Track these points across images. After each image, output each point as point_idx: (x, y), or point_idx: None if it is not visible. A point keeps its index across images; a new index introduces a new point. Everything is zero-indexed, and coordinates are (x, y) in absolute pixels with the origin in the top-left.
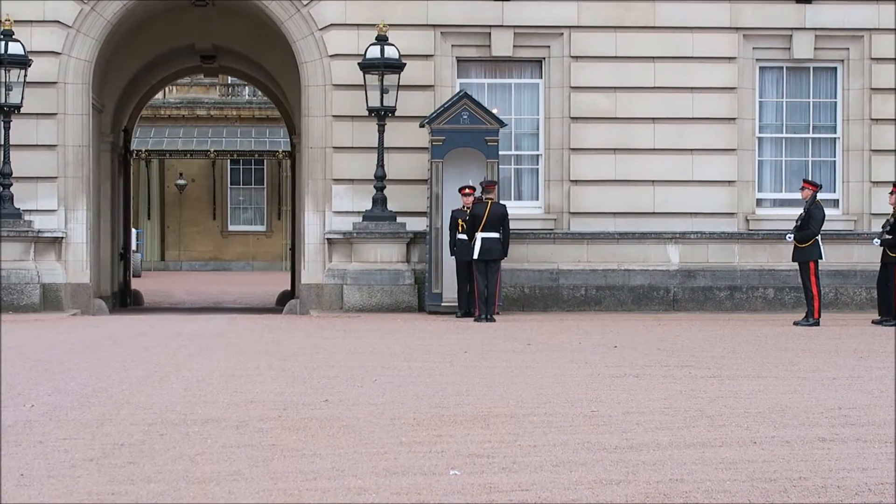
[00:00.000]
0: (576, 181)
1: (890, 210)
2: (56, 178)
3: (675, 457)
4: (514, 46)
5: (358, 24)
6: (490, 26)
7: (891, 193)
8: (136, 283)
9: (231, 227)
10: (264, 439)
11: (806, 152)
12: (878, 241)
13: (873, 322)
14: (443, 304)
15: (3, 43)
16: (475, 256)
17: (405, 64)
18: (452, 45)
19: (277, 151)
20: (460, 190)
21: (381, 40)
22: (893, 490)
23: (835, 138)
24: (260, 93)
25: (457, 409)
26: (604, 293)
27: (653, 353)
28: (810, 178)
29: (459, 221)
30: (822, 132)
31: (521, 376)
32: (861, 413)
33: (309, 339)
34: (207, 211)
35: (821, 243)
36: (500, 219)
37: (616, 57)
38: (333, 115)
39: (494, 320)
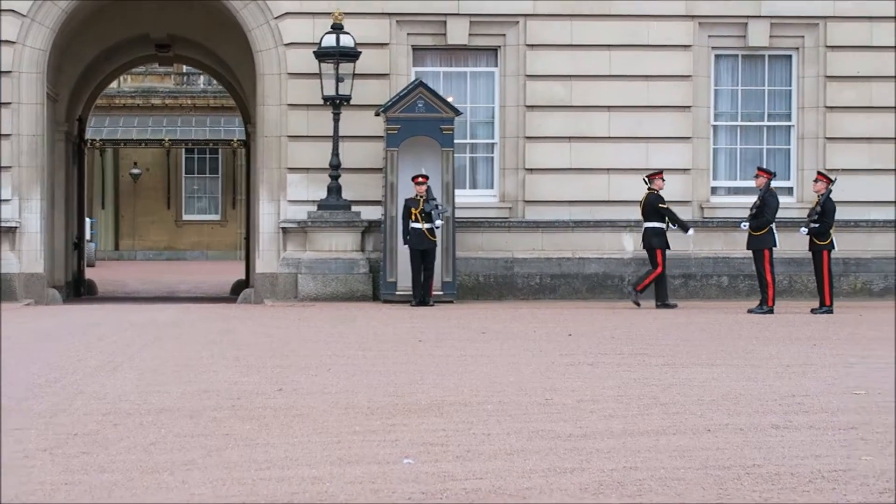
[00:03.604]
0: (531, 170)
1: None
2: (10, 167)
3: (629, 444)
4: (470, 35)
5: (314, 13)
6: (446, 15)
7: (815, 181)
8: (90, 273)
9: (185, 217)
10: (218, 429)
11: (761, 140)
12: (805, 229)
13: (812, 311)
14: (397, 292)
15: None
16: None
17: (361, 52)
18: (408, 34)
19: (232, 140)
20: (414, 178)
21: (337, 29)
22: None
23: (789, 126)
24: (215, 81)
25: (411, 397)
26: (558, 281)
27: (607, 342)
28: (764, 166)
29: (413, 210)
30: (776, 120)
31: (476, 365)
32: (814, 400)
33: (263, 328)
34: (162, 200)
35: (775, 231)
36: None
37: (572, 45)
38: (289, 104)
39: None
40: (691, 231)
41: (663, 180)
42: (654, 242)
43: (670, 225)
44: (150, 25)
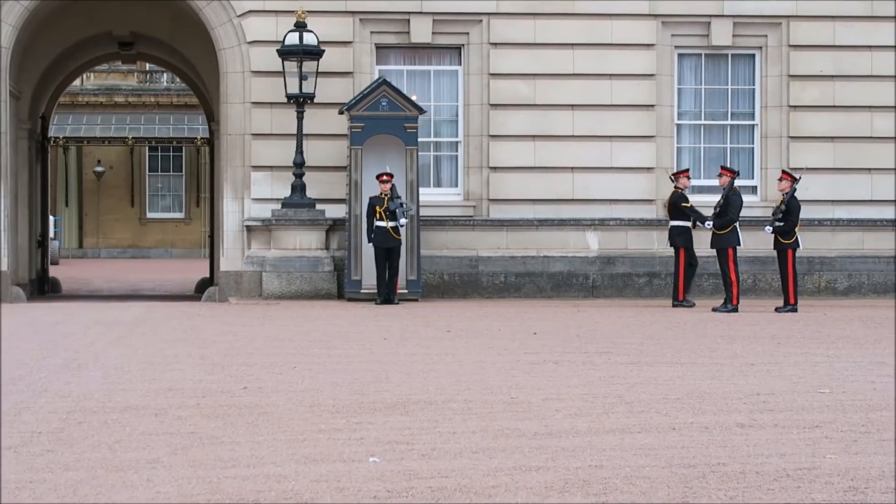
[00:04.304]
0: (495, 168)
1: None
2: None
3: (595, 443)
4: (434, 33)
5: (277, 11)
6: (409, 13)
7: (779, 180)
8: (54, 271)
9: (150, 215)
10: (183, 427)
11: (724, 139)
12: (770, 228)
13: (776, 309)
14: (362, 290)
15: None
16: None
17: (324, 51)
18: (371, 32)
19: (196, 138)
20: (378, 177)
21: (300, 27)
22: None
23: (753, 125)
24: (178, 79)
25: (376, 396)
26: (523, 280)
27: (572, 340)
28: (728, 165)
29: (377, 208)
30: (740, 119)
31: (441, 363)
32: (779, 399)
33: (228, 326)
34: (126, 198)
35: (739, 230)
36: None
37: (535, 44)
38: (252, 102)
39: None
40: (709, 223)
41: (688, 178)
42: (678, 241)
43: (697, 223)
44: (113, 23)
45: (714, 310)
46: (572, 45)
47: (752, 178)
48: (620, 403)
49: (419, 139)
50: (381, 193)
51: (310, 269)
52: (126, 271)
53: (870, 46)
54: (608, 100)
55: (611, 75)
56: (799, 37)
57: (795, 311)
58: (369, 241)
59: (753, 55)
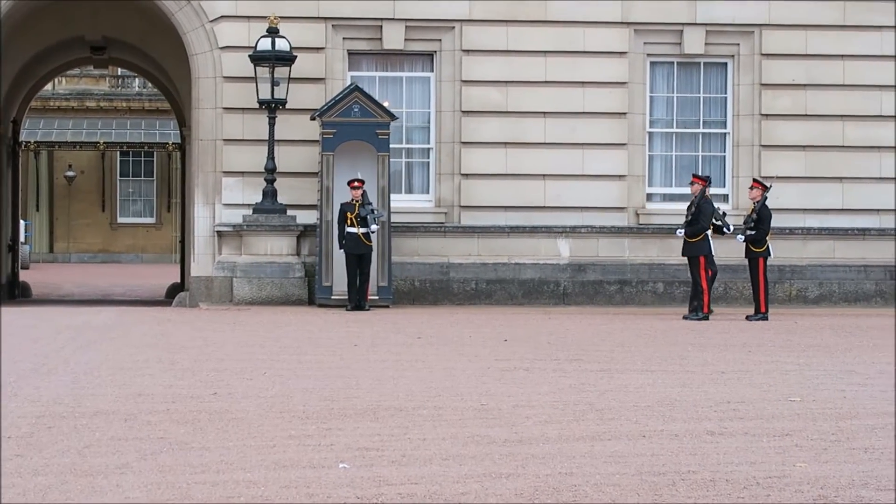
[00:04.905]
0: (467, 175)
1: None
2: None
3: (565, 450)
4: (406, 40)
5: (249, 17)
6: (382, 19)
7: (751, 188)
8: (24, 275)
9: (120, 220)
10: (153, 432)
11: (696, 147)
12: (742, 237)
13: (747, 318)
14: (333, 297)
15: None
16: None
17: (296, 56)
18: (344, 38)
19: (167, 143)
20: (349, 183)
21: (272, 32)
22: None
23: (725, 133)
24: (150, 84)
25: (346, 402)
26: (494, 287)
27: (543, 347)
28: (699, 173)
29: (348, 214)
30: (712, 127)
31: (411, 370)
32: (750, 407)
33: (198, 331)
34: (97, 203)
35: (710, 238)
36: None
37: (507, 51)
38: (224, 108)
39: None
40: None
41: (709, 187)
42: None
43: (724, 230)
44: (85, 27)
45: (685, 317)
46: (545, 52)
47: (724, 186)
48: (591, 411)
49: (391, 145)
50: (353, 199)
51: (280, 275)
52: (97, 276)
53: (842, 55)
54: (580, 107)
55: (583, 83)
56: (771, 45)
57: (766, 319)
58: (340, 248)
59: (726, 63)
